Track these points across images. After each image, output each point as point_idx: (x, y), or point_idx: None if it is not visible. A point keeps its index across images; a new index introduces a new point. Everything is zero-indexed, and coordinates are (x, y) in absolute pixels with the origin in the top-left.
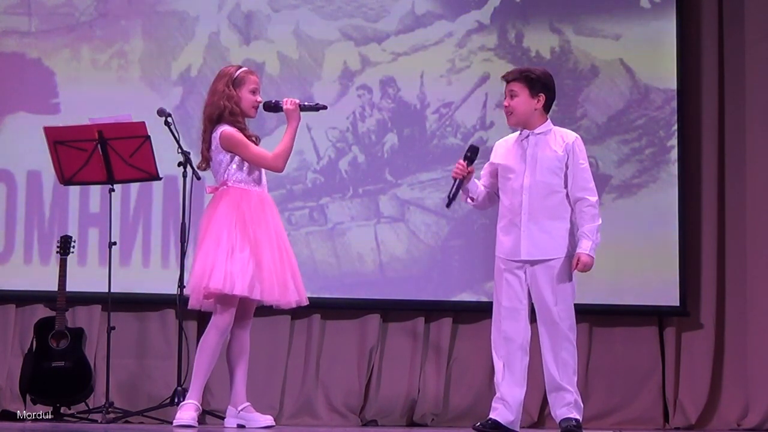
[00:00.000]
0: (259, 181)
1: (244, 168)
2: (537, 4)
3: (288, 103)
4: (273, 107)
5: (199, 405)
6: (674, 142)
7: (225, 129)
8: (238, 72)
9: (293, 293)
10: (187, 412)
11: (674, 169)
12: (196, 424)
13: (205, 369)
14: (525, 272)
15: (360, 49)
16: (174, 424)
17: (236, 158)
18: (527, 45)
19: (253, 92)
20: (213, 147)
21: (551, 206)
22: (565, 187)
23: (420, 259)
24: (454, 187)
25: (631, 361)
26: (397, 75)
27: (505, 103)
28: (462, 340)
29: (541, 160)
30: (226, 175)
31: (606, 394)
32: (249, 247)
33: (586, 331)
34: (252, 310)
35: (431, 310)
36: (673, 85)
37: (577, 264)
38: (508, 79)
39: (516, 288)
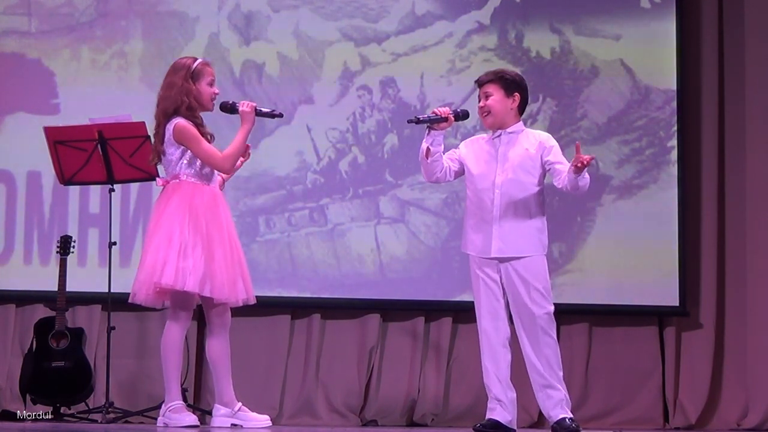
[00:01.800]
0: (211, 178)
1: (196, 163)
2: (537, 4)
3: (245, 105)
4: (229, 108)
5: (183, 403)
6: (674, 142)
7: (179, 121)
8: (196, 64)
9: (242, 291)
10: (184, 414)
11: (674, 169)
12: (198, 423)
13: (177, 367)
14: (499, 270)
15: (360, 50)
16: (179, 425)
17: (188, 153)
18: (527, 45)
19: (211, 84)
20: (165, 139)
21: (523, 204)
22: (538, 185)
23: (420, 259)
24: (428, 117)
25: (631, 361)
26: (397, 75)
27: (481, 104)
28: (462, 340)
29: (513, 158)
30: (178, 169)
31: (606, 394)
32: (201, 244)
33: (586, 331)
34: (226, 310)
35: (431, 310)
36: (673, 85)
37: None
38: (482, 82)
39: (491, 286)
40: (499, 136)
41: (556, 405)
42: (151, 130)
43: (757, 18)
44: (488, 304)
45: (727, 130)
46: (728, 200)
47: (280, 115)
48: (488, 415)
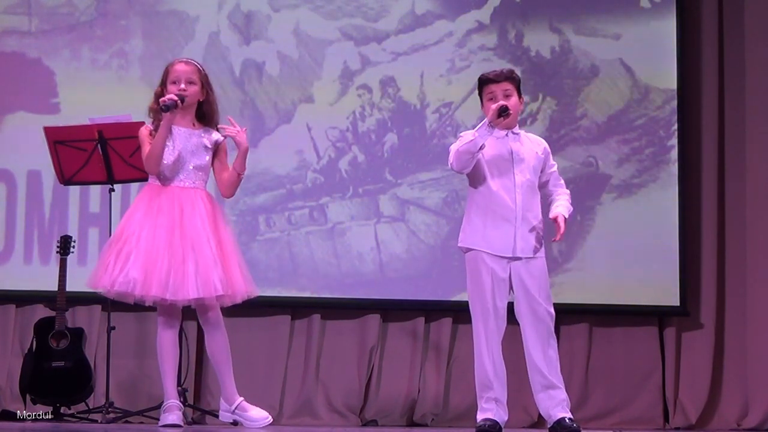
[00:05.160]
0: (174, 177)
1: (161, 163)
2: (537, 4)
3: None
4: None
5: (179, 403)
6: (674, 142)
7: (141, 126)
8: (168, 66)
9: (195, 289)
10: (171, 413)
11: (674, 169)
12: (182, 424)
13: (167, 368)
14: (509, 269)
15: (360, 49)
16: (159, 424)
17: None
18: (527, 45)
19: (175, 82)
20: None
21: (535, 205)
22: (540, 187)
23: (420, 258)
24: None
25: (631, 361)
26: (397, 75)
27: (504, 103)
28: (462, 340)
29: (527, 160)
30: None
31: (606, 394)
32: (135, 244)
33: (586, 331)
34: (210, 307)
35: (431, 310)
36: (673, 85)
37: (560, 225)
38: (498, 79)
39: (500, 284)
40: (506, 135)
41: (557, 405)
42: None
43: (757, 17)
44: (496, 301)
45: (727, 129)
46: (728, 200)
47: (169, 106)
48: (486, 415)
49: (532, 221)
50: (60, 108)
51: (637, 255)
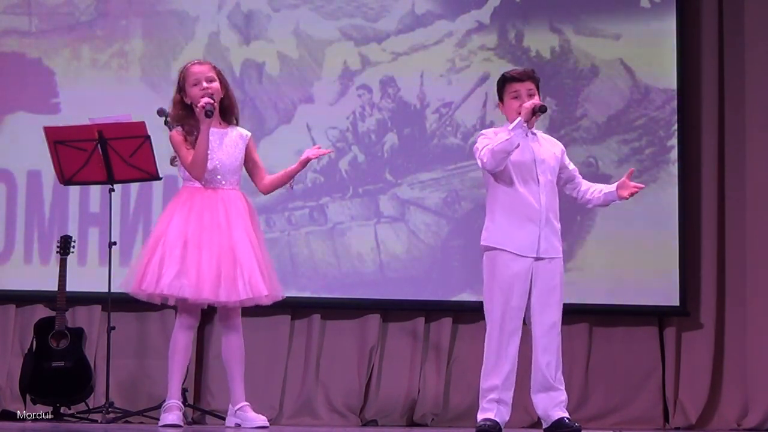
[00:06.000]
0: (216, 181)
1: (206, 168)
2: (537, 4)
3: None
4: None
5: (180, 404)
6: (674, 142)
7: (171, 132)
8: (183, 70)
9: (237, 292)
10: (170, 413)
11: (674, 169)
12: (182, 424)
13: (176, 367)
14: (531, 269)
15: (360, 49)
16: (159, 424)
17: None
18: (527, 45)
19: (195, 84)
20: None
21: (555, 205)
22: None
23: (420, 258)
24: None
25: (631, 361)
26: (397, 75)
27: (537, 102)
28: (462, 340)
29: (548, 160)
30: (182, 174)
31: (606, 394)
32: (181, 246)
33: (586, 331)
34: (233, 310)
35: (431, 310)
36: (673, 85)
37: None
38: (524, 78)
39: (524, 285)
40: (527, 135)
41: (556, 406)
42: (151, 131)
43: (757, 17)
44: (518, 301)
45: (727, 129)
46: (728, 200)
47: (211, 110)
48: (487, 415)
49: (553, 221)
50: (60, 108)
51: (637, 255)
